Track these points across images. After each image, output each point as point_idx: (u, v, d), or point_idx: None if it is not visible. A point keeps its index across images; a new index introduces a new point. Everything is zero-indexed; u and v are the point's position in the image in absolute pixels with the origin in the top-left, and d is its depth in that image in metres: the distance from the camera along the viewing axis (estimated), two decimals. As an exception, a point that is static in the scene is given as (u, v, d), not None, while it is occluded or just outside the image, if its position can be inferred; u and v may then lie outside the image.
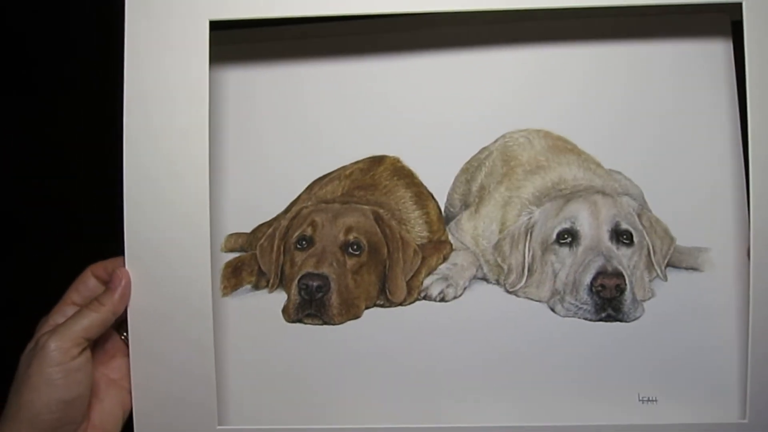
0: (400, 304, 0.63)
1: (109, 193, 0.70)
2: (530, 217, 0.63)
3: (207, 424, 0.58)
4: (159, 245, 0.57)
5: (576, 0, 0.56)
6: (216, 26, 0.57)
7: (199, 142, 0.57)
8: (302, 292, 0.62)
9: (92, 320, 0.54)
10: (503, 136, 0.63)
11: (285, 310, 0.63)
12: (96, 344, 0.57)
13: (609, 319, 0.60)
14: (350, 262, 0.63)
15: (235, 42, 0.65)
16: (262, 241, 0.64)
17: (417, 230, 0.65)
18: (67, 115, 0.73)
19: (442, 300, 0.62)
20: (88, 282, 0.58)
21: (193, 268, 0.57)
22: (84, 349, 0.54)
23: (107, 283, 0.57)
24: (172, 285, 0.57)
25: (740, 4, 0.55)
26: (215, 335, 0.62)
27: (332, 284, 0.62)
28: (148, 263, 0.57)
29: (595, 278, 0.59)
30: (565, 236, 0.61)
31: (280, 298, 0.64)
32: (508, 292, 0.62)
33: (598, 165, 0.62)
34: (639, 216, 0.61)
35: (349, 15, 0.57)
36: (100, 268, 0.58)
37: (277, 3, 0.56)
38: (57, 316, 0.56)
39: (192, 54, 0.56)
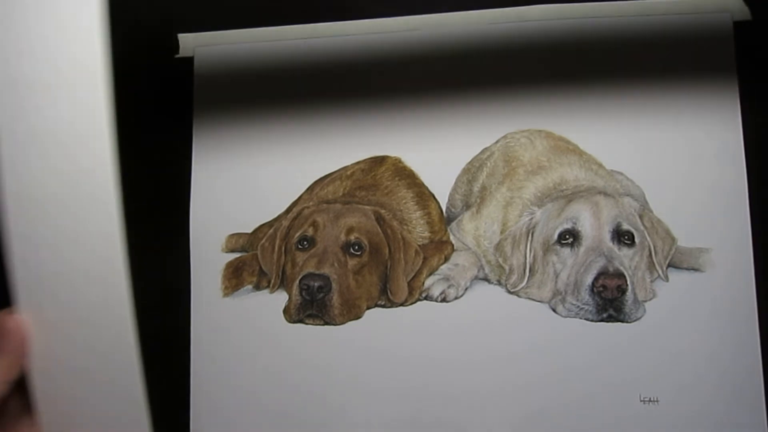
0: (402, 305, 0.63)
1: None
2: (532, 218, 0.63)
3: None
4: (61, 280, 0.43)
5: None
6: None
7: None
8: (303, 293, 0.62)
9: None
10: (505, 137, 0.63)
11: (286, 311, 0.63)
12: None
13: (610, 319, 0.60)
14: (351, 263, 0.63)
15: (237, 41, 0.65)
16: (263, 241, 0.64)
17: (418, 230, 0.65)
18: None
19: (444, 300, 0.62)
20: None
21: (109, 306, 0.43)
22: None
23: None
24: (85, 329, 0.43)
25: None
26: (216, 335, 0.62)
27: (333, 284, 0.62)
28: (48, 304, 0.43)
29: (596, 279, 0.59)
30: (567, 237, 0.61)
31: (281, 298, 0.64)
32: (509, 292, 0.63)
33: (600, 165, 0.62)
34: (640, 216, 0.61)
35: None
36: None
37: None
38: None
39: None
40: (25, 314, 0.42)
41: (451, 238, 0.65)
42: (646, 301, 0.60)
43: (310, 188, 0.65)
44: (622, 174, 0.61)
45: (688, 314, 0.59)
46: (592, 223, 0.61)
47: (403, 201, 0.65)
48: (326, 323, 0.62)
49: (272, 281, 0.64)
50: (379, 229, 0.64)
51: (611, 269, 0.59)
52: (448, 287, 0.62)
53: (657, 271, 0.61)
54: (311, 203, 0.64)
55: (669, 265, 0.61)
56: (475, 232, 0.64)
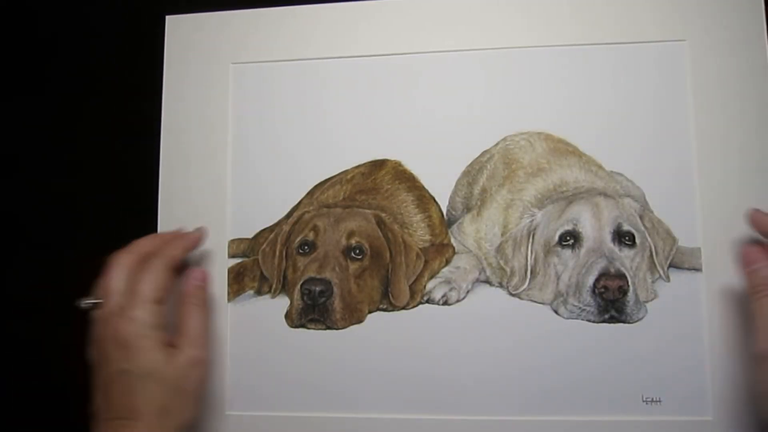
0: (404, 308, 0.63)
1: (113, 196, 0.70)
2: (532, 220, 0.63)
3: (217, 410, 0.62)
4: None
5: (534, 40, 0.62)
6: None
7: (222, 165, 0.65)
8: (305, 297, 0.62)
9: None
10: (504, 139, 0.63)
11: (288, 316, 0.63)
12: None
13: (612, 320, 0.60)
14: (353, 267, 0.63)
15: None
16: (264, 246, 0.64)
17: (419, 234, 0.65)
18: (84, 119, 0.72)
19: (446, 303, 0.62)
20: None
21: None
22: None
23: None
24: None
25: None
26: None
27: (335, 289, 0.62)
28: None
29: (597, 280, 0.59)
30: (568, 238, 0.61)
31: (282, 303, 0.64)
32: (511, 294, 0.62)
33: (600, 167, 0.62)
34: (641, 217, 0.61)
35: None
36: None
37: (294, 47, 0.65)
38: None
39: (218, 89, 0.66)
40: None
41: (452, 240, 0.65)
42: (647, 302, 0.60)
43: (311, 192, 0.65)
44: (622, 175, 0.62)
45: (689, 314, 0.59)
46: (593, 224, 0.61)
47: (404, 204, 0.65)
48: (328, 328, 0.62)
49: (273, 286, 0.64)
50: (380, 233, 0.64)
51: (612, 270, 0.59)
52: (450, 290, 0.62)
53: (658, 271, 0.61)
54: (311, 207, 0.64)
55: (670, 266, 0.61)
56: (476, 234, 0.64)
